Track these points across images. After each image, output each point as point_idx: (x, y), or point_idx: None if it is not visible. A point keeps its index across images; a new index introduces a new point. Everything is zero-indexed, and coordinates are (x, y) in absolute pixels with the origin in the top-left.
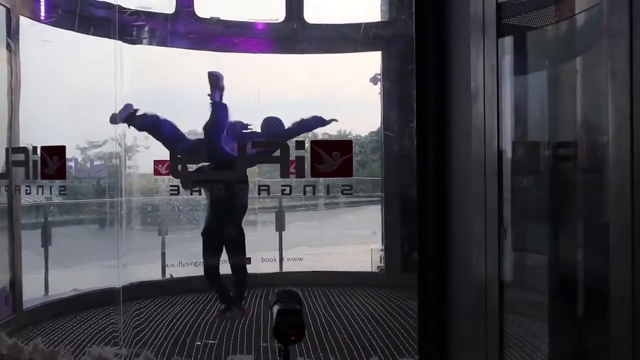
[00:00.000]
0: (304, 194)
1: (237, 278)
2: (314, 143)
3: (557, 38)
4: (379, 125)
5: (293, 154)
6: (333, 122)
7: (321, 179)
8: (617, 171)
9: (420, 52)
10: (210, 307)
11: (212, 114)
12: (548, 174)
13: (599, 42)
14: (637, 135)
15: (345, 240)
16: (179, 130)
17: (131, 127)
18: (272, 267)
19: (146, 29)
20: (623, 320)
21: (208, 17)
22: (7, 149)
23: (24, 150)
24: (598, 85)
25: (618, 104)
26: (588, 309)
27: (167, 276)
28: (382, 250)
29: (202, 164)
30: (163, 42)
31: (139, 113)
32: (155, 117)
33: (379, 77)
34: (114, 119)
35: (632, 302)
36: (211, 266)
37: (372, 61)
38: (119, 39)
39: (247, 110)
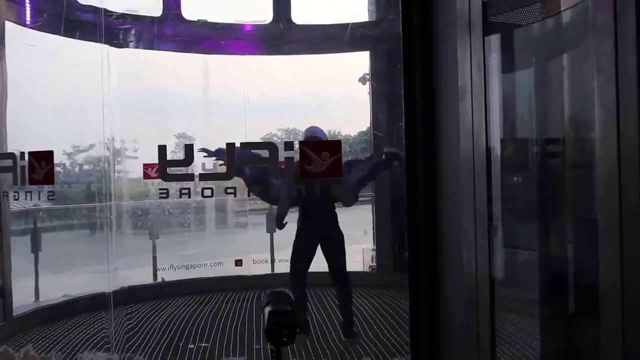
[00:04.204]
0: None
1: None
2: (303, 144)
3: (544, 35)
4: (368, 125)
5: (282, 155)
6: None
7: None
8: (605, 167)
9: (407, 52)
10: (201, 310)
11: None
12: (536, 170)
13: (585, 39)
14: (623, 130)
15: None
16: None
17: None
18: (264, 269)
19: (133, 32)
20: (613, 316)
21: (195, 19)
22: None
23: (12, 155)
24: (585, 82)
25: (604, 100)
26: (578, 306)
27: (159, 280)
28: (373, 249)
29: None
30: (150, 45)
31: None
32: None
33: (368, 76)
34: None
35: (621, 298)
36: None
37: (360, 61)
38: (105, 43)
39: (235, 112)
